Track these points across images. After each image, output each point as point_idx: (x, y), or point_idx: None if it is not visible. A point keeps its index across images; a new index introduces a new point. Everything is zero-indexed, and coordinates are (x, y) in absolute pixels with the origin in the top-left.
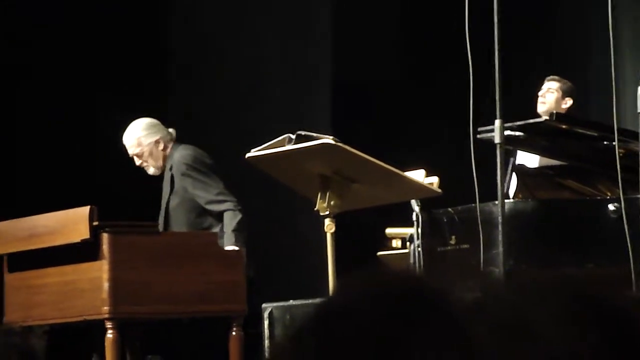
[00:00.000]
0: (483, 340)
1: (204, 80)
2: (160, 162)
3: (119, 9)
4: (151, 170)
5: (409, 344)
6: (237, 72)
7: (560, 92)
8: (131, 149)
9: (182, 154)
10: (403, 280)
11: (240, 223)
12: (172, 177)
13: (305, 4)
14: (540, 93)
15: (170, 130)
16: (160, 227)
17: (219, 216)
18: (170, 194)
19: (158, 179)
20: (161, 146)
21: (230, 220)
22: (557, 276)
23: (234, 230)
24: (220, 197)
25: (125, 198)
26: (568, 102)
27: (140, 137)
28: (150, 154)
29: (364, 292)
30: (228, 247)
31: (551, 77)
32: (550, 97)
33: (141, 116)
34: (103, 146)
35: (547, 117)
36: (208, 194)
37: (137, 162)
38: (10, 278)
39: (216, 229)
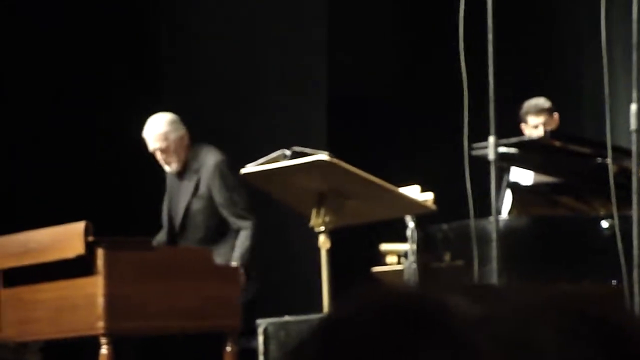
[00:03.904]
0: (487, 357)
1: (198, 94)
2: (183, 158)
3: (110, 24)
4: (173, 167)
5: (413, 358)
6: (232, 86)
7: (550, 119)
8: (156, 144)
9: (216, 159)
10: (407, 294)
11: (252, 248)
12: (198, 180)
13: (300, 17)
14: (536, 131)
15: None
16: (171, 229)
17: (235, 231)
18: (193, 196)
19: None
20: (185, 142)
21: (244, 242)
22: (559, 293)
23: (243, 253)
24: (245, 214)
25: (121, 213)
26: (556, 118)
27: (167, 131)
28: (176, 149)
29: (368, 305)
30: (232, 264)
31: (534, 107)
32: (541, 130)
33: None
34: (98, 161)
35: (542, 135)
36: (235, 207)
37: (160, 156)
38: (5, 293)
39: (229, 241)
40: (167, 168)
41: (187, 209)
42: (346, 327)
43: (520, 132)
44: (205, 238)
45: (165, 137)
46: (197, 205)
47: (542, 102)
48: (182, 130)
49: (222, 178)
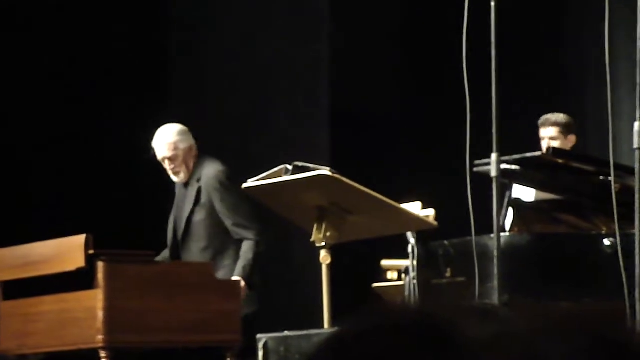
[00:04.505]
0: None
1: (202, 110)
2: (190, 169)
3: (120, 35)
4: (180, 176)
5: None
6: (236, 102)
7: (563, 136)
8: (166, 153)
9: (216, 169)
10: (418, 313)
11: (256, 258)
12: (199, 189)
13: (304, 32)
14: (543, 143)
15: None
16: (175, 238)
17: (239, 240)
18: (194, 207)
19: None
20: (193, 153)
21: (247, 252)
22: (567, 313)
23: (246, 265)
24: (248, 223)
25: (122, 226)
26: (572, 139)
27: (177, 141)
28: (184, 159)
29: (380, 323)
30: (235, 278)
31: (546, 120)
32: (555, 145)
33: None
34: (102, 173)
35: (544, 152)
36: (237, 216)
37: (168, 166)
38: (5, 306)
39: (232, 251)
40: (174, 178)
41: (189, 219)
42: (358, 344)
43: (521, 150)
44: (207, 248)
45: (175, 147)
46: (199, 215)
47: (560, 117)
48: (191, 141)
49: (222, 187)
